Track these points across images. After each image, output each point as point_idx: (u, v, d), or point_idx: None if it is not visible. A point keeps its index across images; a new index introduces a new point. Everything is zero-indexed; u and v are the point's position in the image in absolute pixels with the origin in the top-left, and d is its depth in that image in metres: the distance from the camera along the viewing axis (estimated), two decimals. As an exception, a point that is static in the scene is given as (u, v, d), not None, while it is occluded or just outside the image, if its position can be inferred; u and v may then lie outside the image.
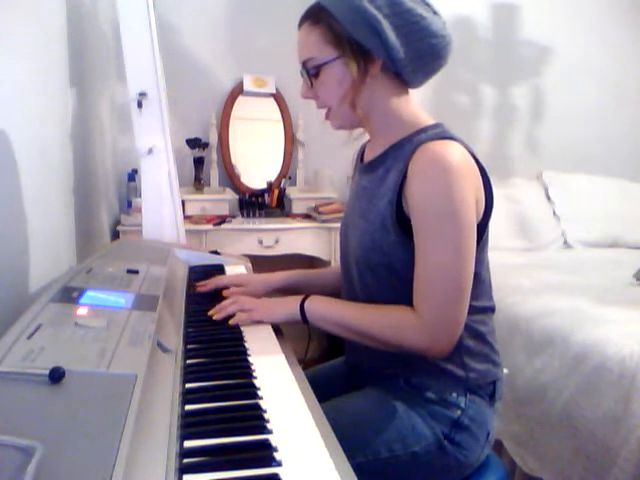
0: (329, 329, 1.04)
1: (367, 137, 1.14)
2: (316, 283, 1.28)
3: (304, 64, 1.03)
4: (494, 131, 3.14)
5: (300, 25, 1.04)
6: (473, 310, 1.00)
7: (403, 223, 0.98)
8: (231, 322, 1.04)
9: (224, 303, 1.10)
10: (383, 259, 1.02)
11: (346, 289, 1.15)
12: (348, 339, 1.06)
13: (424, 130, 1.02)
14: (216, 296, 1.19)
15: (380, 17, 0.96)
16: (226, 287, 1.22)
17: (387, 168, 1.03)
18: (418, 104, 1.08)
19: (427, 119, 1.05)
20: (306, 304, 1.04)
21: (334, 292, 1.17)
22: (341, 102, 1.02)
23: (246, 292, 1.20)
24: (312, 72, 1.03)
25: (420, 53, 0.99)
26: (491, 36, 3.08)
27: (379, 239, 1.01)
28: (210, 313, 1.08)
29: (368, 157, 1.12)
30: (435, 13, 1.00)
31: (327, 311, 1.04)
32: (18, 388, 0.60)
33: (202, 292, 1.24)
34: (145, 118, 1.60)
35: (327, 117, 1.08)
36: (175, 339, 0.92)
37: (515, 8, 3.07)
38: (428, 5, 1.00)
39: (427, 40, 0.98)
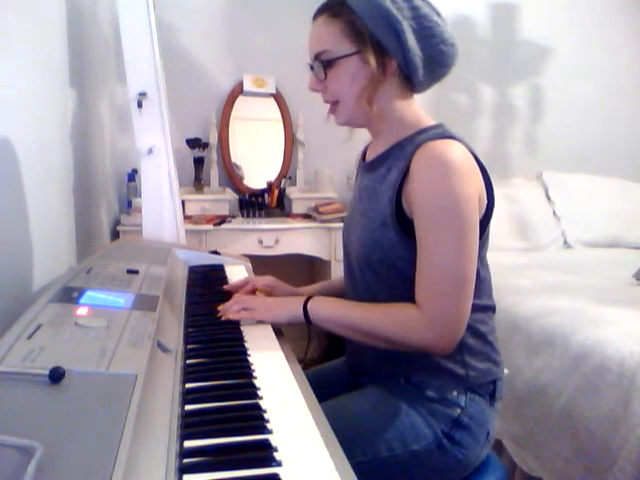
0: (333, 329, 1.04)
1: (366, 139, 1.14)
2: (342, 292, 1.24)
3: (317, 56, 1.03)
4: (494, 131, 3.14)
5: (316, 17, 1.04)
6: (474, 308, 1.00)
7: (403, 221, 0.99)
8: (231, 317, 1.05)
9: (227, 304, 1.10)
10: (384, 257, 1.02)
11: (349, 288, 1.15)
12: (352, 339, 1.06)
13: (425, 130, 1.02)
14: (217, 296, 1.19)
15: (401, 18, 0.97)
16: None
17: (388, 167, 1.04)
18: (419, 105, 1.08)
19: (428, 120, 1.06)
20: (309, 305, 1.04)
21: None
22: (358, 98, 1.02)
23: (268, 293, 1.20)
24: (327, 65, 1.02)
25: (431, 59, 1.01)
26: (491, 36, 3.08)
27: (379, 237, 1.02)
28: (218, 316, 1.07)
29: (370, 156, 1.12)
30: (445, 22, 1.02)
31: (330, 311, 1.04)
32: (18, 388, 0.60)
33: (201, 293, 1.24)
34: (145, 118, 1.60)
35: (332, 111, 1.08)
36: (175, 339, 0.92)
37: (515, 8, 3.07)
38: (439, 15, 1.02)
39: (439, 47, 1.00)
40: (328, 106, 1.08)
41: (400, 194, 0.99)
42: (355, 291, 1.11)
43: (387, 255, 1.02)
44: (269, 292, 1.23)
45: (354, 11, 0.98)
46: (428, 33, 0.99)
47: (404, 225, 0.99)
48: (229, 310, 1.07)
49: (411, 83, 1.04)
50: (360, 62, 1.00)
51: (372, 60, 0.99)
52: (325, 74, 1.03)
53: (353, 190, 1.19)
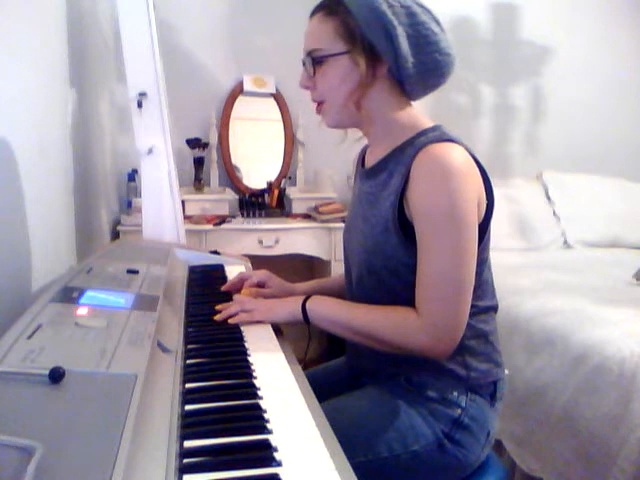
0: (330, 329, 1.04)
1: (364, 140, 1.14)
2: (338, 290, 1.24)
3: (309, 53, 1.03)
4: (494, 131, 3.13)
5: (312, 14, 1.04)
6: (476, 310, 1.00)
7: (405, 226, 0.98)
8: (231, 321, 1.04)
9: (225, 305, 1.09)
10: (385, 262, 1.02)
11: (348, 291, 1.15)
12: (349, 340, 1.06)
13: (424, 132, 1.02)
14: (217, 296, 1.19)
15: (396, 23, 0.97)
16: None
17: (390, 172, 1.03)
18: (417, 106, 1.08)
19: (426, 122, 1.05)
20: (308, 304, 1.04)
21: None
22: (345, 100, 1.02)
23: (261, 293, 1.20)
24: (317, 61, 1.02)
25: (425, 67, 1.00)
26: (491, 36, 3.08)
27: (382, 242, 1.01)
28: (215, 317, 1.07)
29: (369, 162, 1.11)
30: (443, 31, 1.01)
31: (328, 311, 1.04)
32: (18, 388, 0.60)
33: (201, 293, 1.24)
34: (145, 118, 1.60)
35: (318, 112, 1.08)
36: (175, 339, 0.92)
37: (515, 8, 3.07)
38: (438, 23, 1.01)
39: (434, 55, 0.99)
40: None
41: (402, 199, 0.99)
42: (354, 295, 1.11)
43: (390, 261, 1.01)
44: (262, 286, 1.23)
45: (350, 11, 0.98)
46: (423, 41, 0.99)
47: (406, 230, 0.98)
48: (228, 312, 1.06)
49: (403, 89, 1.03)
50: (350, 63, 1.00)
51: (362, 62, 0.98)
52: (314, 71, 1.03)
53: (352, 195, 1.19)
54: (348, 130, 1.15)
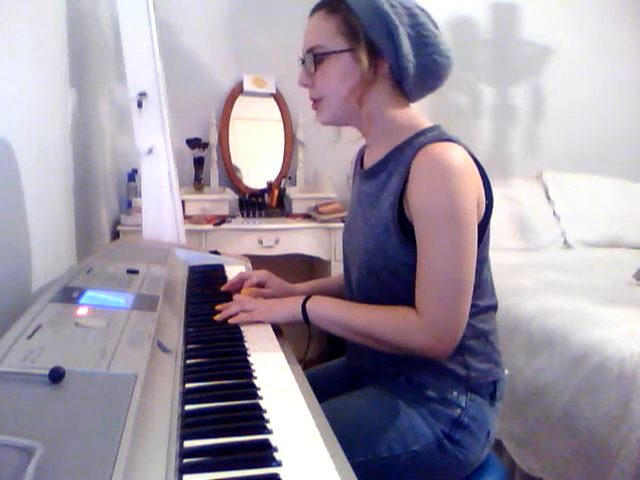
0: (330, 329, 1.04)
1: (363, 140, 1.14)
2: (338, 290, 1.24)
3: (310, 50, 1.03)
4: (494, 131, 3.13)
5: (313, 12, 1.04)
6: (476, 309, 1.00)
7: (405, 226, 0.98)
8: (231, 321, 1.04)
9: (225, 305, 1.09)
10: (386, 263, 1.02)
11: (347, 291, 1.15)
12: (349, 340, 1.06)
13: (423, 132, 1.02)
14: (217, 296, 1.19)
15: (398, 23, 0.97)
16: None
17: (389, 173, 1.03)
18: (416, 106, 1.08)
19: (424, 121, 1.05)
20: (308, 304, 1.04)
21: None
22: (346, 97, 1.02)
23: (261, 293, 1.20)
24: (318, 58, 1.02)
25: (424, 68, 1.01)
26: (491, 36, 3.08)
27: (382, 243, 1.01)
28: (215, 317, 1.07)
29: (368, 162, 1.11)
30: (441, 34, 1.02)
31: (328, 311, 1.04)
32: (18, 388, 0.60)
33: (201, 293, 1.24)
34: (145, 118, 1.60)
35: (315, 108, 1.08)
36: (175, 339, 0.92)
37: (515, 8, 3.07)
38: (436, 26, 1.02)
39: (433, 56, 1.00)
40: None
41: (402, 199, 0.99)
42: (353, 296, 1.11)
43: (390, 262, 1.01)
44: (262, 286, 1.23)
45: (352, 9, 0.99)
46: (424, 42, 0.99)
47: (406, 230, 0.98)
48: (228, 312, 1.06)
49: (402, 90, 1.04)
50: (351, 60, 1.00)
51: (364, 59, 0.98)
52: (315, 68, 1.03)
53: (352, 196, 1.19)
54: (343, 130, 1.15)
